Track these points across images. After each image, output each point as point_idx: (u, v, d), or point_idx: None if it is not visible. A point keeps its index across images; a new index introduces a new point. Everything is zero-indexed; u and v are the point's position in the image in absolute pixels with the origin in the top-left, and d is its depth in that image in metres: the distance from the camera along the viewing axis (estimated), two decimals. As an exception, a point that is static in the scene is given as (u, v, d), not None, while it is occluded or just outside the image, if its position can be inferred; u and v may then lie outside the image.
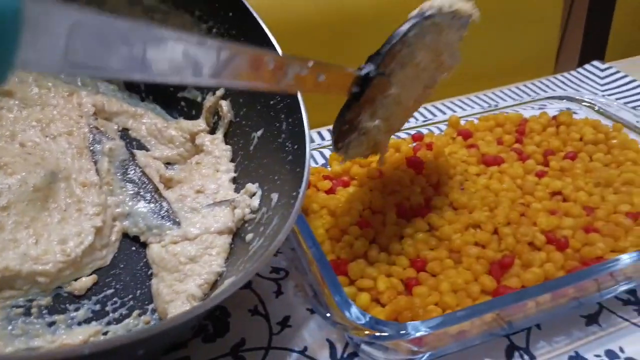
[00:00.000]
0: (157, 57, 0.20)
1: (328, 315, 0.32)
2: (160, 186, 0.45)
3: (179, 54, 0.20)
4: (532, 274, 0.35)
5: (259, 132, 0.43)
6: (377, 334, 0.31)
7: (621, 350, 0.36)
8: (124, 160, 0.46)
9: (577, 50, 0.92)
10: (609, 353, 0.36)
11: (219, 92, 0.47)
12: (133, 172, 0.45)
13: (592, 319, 0.38)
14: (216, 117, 0.48)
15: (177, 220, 0.42)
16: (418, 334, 0.30)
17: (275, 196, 0.38)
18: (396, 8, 0.73)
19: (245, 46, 0.23)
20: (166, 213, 0.42)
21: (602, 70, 0.70)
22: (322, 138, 0.58)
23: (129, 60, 0.19)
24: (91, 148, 0.45)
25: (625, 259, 0.35)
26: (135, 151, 0.47)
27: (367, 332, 0.31)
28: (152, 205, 0.43)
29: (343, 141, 0.36)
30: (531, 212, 0.40)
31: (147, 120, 0.50)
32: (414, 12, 0.34)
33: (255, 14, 0.42)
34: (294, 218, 0.30)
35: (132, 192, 0.44)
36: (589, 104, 0.54)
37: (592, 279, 0.34)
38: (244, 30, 0.43)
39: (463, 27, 0.37)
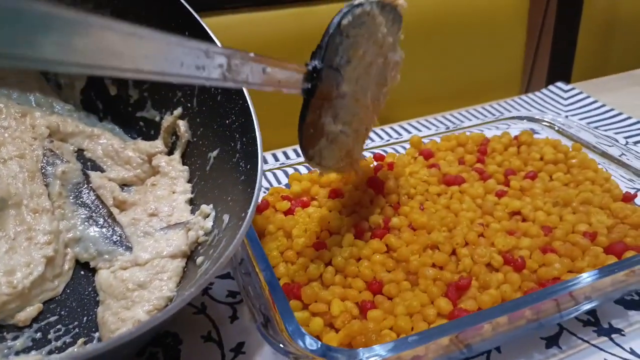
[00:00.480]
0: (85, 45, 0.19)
1: (278, 343, 0.31)
2: (115, 210, 0.44)
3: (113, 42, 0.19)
4: (489, 295, 0.35)
5: (215, 152, 0.42)
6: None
7: (580, 372, 0.35)
8: (78, 184, 0.44)
9: (544, 73, 0.94)
10: (568, 376, 0.35)
11: (177, 112, 0.46)
12: (86, 195, 0.44)
13: (552, 341, 0.37)
14: (174, 137, 0.48)
15: (130, 245, 0.40)
16: (371, 359, 0.29)
17: (226, 217, 0.37)
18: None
19: (189, 40, 0.22)
20: (118, 238, 0.41)
21: (566, 92, 0.71)
22: (287, 157, 0.58)
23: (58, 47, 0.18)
24: (44, 171, 0.44)
25: (583, 278, 0.34)
26: (90, 172, 0.46)
27: (313, 358, 0.29)
28: (104, 230, 0.41)
29: (313, 148, 0.35)
30: (489, 233, 0.40)
31: (104, 141, 0.49)
32: None
33: (209, 31, 0.42)
34: (239, 240, 0.29)
35: (84, 216, 0.42)
36: (549, 124, 0.54)
37: (548, 300, 0.33)
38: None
39: (397, 21, 0.38)
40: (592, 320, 0.39)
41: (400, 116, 0.68)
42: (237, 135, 0.38)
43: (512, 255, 0.37)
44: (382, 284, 0.36)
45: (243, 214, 0.32)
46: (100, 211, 0.43)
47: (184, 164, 0.46)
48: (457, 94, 0.82)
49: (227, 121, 0.40)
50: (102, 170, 0.48)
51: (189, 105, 0.45)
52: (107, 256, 0.40)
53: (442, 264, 0.37)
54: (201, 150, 0.44)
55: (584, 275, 0.34)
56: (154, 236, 0.41)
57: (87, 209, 0.43)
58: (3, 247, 0.37)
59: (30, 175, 0.43)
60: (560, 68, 0.89)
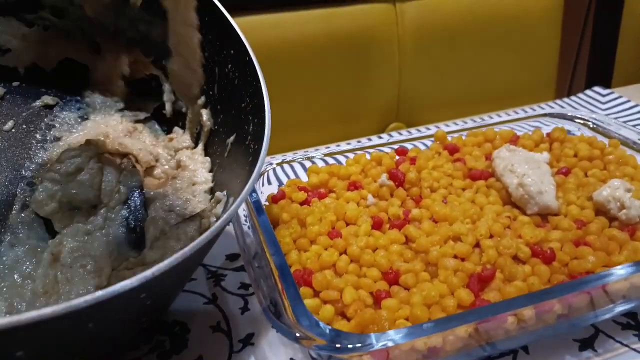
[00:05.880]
0: None
1: (285, 327, 0.29)
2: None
3: None
4: (514, 287, 0.32)
5: (232, 138, 0.41)
6: (336, 345, 0.28)
7: (618, 377, 0.32)
8: (133, 187, 0.43)
9: (583, 81, 0.91)
10: (605, 380, 0.32)
11: (201, 101, 0.46)
12: (135, 198, 0.43)
13: (586, 344, 0.34)
14: (198, 127, 0.47)
15: (143, 247, 0.39)
16: (380, 344, 0.27)
17: (232, 200, 0.35)
18: (383, 34, 0.72)
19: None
20: (136, 240, 0.39)
21: (604, 96, 0.68)
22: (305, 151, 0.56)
23: None
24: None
25: (619, 271, 0.31)
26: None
27: (323, 343, 0.28)
28: (130, 232, 0.40)
29: None
30: (517, 225, 0.37)
31: (140, 138, 0.48)
32: None
33: (240, 32, 0.41)
34: (230, 214, 0.28)
35: (122, 217, 0.41)
36: (584, 122, 0.51)
37: (580, 294, 0.31)
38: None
39: None
40: (632, 323, 0.36)
41: (427, 120, 0.66)
42: (250, 117, 0.38)
43: (541, 247, 0.35)
44: (398, 274, 0.34)
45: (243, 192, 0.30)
46: (137, 214, 0.42)
47: (206, 154, 0.46)
48: (486, 99, 0.80)
49: (243, 104, 0.39)
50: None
51: (210, 92, 0.45)
52: (118, 257, 0.38)
53: (464, 255, 0.35)
54: (221, 137, 0.43)
55: (620, 267, 0.31)
56: (167, 233, 0.40)
57: (129, 210, 0.41)
58: (60, 275, 0.34)
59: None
60: (599, 75, 0.85)
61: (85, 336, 0.26)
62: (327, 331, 0.28)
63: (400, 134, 0.59)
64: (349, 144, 0.56)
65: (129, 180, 0.43)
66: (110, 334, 0.28)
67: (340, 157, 0.50)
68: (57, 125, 0.45)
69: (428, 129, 0.61)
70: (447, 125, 0.61)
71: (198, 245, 0.25)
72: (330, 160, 0.49)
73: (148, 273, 0.23)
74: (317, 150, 0.48)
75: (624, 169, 0.43)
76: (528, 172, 0.40)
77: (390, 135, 0.52)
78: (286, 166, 0.48)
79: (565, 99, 0.69)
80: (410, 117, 0.76)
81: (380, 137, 0.55)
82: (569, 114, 0.52)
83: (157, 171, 0.47)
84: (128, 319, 0.28)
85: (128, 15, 0.46)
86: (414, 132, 0.53)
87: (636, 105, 0.65)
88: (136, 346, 0.36)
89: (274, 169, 0.47)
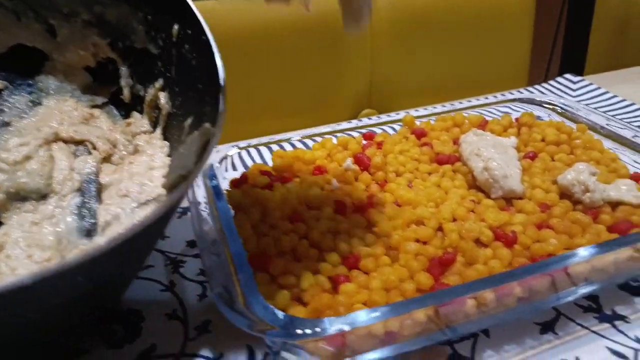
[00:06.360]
0: None
1: (237, 313, 0.28)
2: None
3: None
4: (475, 271, 0.31)
5: (189, 120, 0.40)
6: (289, 331, 0.27)
7: (578, 360, 0.32)
8: (89, 173, 0.41)
9: (556, 69, 0.91)
10: (565, 364, 0.31)
11: (158, 84, 0.44)
12: (90, 186, 0.41)
13: (547, 327, 0.34)
14: (157, 111, 0.46)
15: (94, 235, 0.37)
16: (334, 329, 0.26)
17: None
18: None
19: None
20: (88, 230, 0.38)
21: (575, 83, 0.68)
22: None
23: None
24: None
25: (580, 252, 0.31)
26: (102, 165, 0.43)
27: (275, 330, 0.27)
28: (82, 221, 0.38)
29: None
30: (481, 209, 0.37)
31: (96, 124, 0.47)
32: None
33: (199, 16, 0.39)
34: (178, 195, 0.26)
35: (74, 205, 0.39)
36: (552, 107, 0.51)
37: (541, 276, 0.30)
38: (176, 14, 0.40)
39: None
40: (593, 306, 0.35)
41: (400, 107, 0.66)
42: (207, 99, 0.36)
43: (504, 231, 0.34)
44: (359, 259, 0.33)
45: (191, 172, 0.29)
46: (90, 204, 0.40)
47: (165, 138, 0.44)
48: (460, 86, 0.79)
49: (200, 85, 0.38)
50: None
51: (168, 75, 0.43)
52: (69, 245, 0.37)
53: (426, 239, 0.34)
54: (179, 120, 0.42)
55: (581, 249, 0.31)
56: (121, 218, 0.39)
57: (82, 198, 0.40)
58: (5, 268, 0.32)
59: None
60: (572, 64, 0.85)
61: (21, 324, 0.25)
62: (280, 317, 0.27)
63: (370, 119, 0.58)
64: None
65: (83, 167, 0.41)
66: (51, 321, 0.27)
67: (309, 142, 0.49)
68: (7, 110, 0.43)
69: (398, 114, 0.60)
70: (417, 111, 0.60)
71: (139, 227, 0.24)
72: (299, 145, 0.48)
73: (80, 255, 0.21)
74: (285, 135, 0.47)
75: (590, 153, 0.43)
76: (494, 156, 0.40)
77: (360, 121, 0.51)
78: (253, 151, 0.47)
79: (537, 86, 0.69)
80: (383, 105, 0.75)
81: (349, 123, 0.54)
82: (538, 99, 0.51)
83: (114, 157, 0.45)
84: (68, 305, 0.26)
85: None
86: (384, 117, 0.52)
87: (606, 92, 0.65)
88: (88, 335, 0.34)
89: (239, 154, 0.46)
